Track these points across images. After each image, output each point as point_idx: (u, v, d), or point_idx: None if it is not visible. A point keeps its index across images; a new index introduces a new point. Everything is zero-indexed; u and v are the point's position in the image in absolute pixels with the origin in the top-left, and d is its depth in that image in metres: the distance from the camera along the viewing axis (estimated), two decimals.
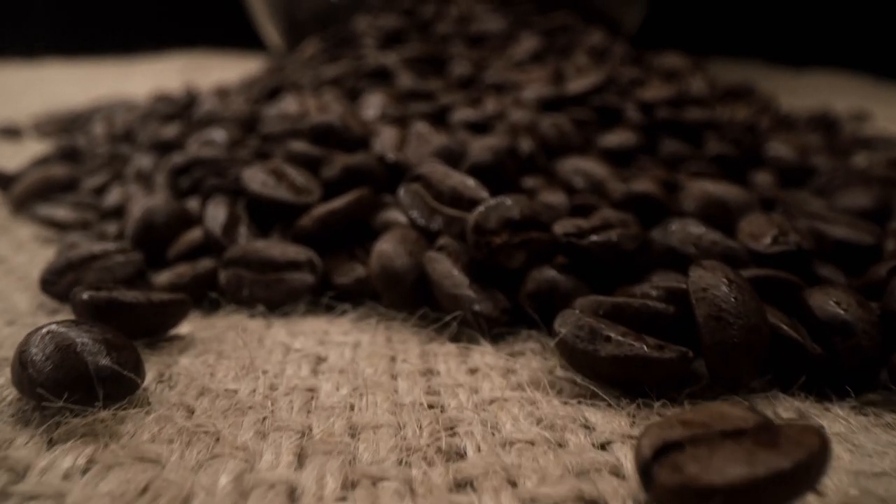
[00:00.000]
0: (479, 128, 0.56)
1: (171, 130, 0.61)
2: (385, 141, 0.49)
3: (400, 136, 0.50)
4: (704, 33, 1.41)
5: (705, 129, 0.60)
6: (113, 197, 0.54)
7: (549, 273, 0.37)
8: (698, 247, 0.38)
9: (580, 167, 0.48)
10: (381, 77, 0.68)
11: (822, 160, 0.59)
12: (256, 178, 0.46)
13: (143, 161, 0.58)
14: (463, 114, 0.57)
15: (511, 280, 0.38)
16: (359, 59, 0.77)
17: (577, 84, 0.61)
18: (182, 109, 0.75)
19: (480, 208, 0.37)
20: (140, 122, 0.71)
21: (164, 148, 0.59)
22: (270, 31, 1.02)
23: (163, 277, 0.41)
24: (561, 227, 0.38)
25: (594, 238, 0.37)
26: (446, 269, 0.37)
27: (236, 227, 0.44)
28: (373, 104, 0.59)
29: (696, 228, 0.39)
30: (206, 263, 0.42)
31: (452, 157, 0.46)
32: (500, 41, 0.80)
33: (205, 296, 0.41)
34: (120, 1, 1.59)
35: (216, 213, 0.44)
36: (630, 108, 0.61)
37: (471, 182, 0.40)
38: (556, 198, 0.45)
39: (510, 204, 0.37)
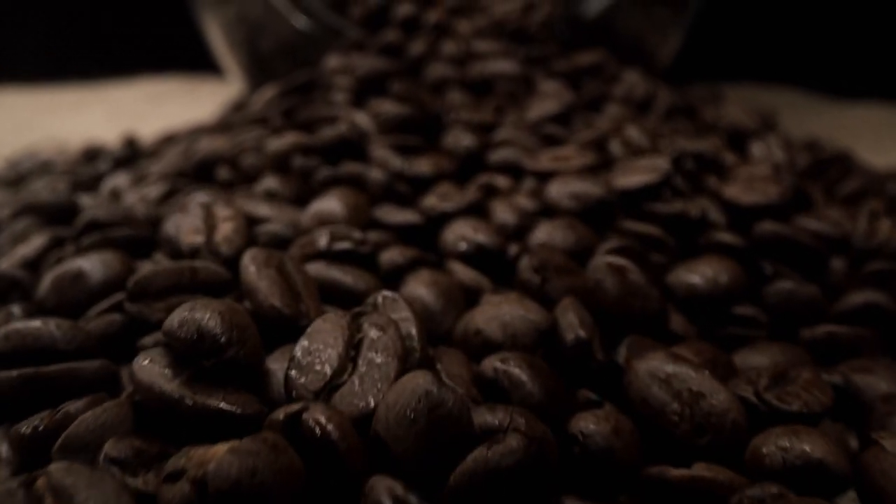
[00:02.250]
0: (490, 261, 0.34)
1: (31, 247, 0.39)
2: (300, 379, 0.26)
3: (341, 360, 0.27)
4: (726, 54, 1.18)
5: (830, 252, 0.38)
6: None
7: None
8: None
9: (662, 372, 0.26)
10: (350, 151, 0.46)
11: None
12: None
13: None
14: (462, 234, 0.35)
15: None
16: (321, 121, 0.55)
17: (630, 179, 0.39)
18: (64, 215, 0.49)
19: None
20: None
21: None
22: (230, 64, 0.80)
23: None
24: None
25: None
26: None
27: None
28: (322, 236, 0.36)
29: None
30: None
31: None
32: (511, 86, 0.58)
33: None
34: (90, 23, 1.36)
35: None
36: (713, 211, 0.39)
37: None
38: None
39: None
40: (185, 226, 0.33)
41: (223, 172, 0.48)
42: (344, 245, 0.32)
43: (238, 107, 0.82)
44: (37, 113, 1.09)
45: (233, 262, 0.32)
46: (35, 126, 1.04)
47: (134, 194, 0.48)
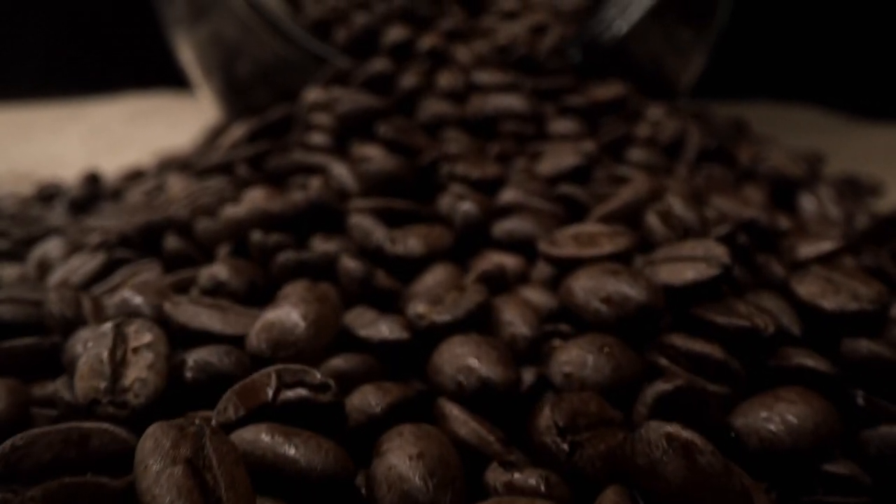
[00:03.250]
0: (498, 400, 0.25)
1: None
2: None
3: None
4: (741, 71, 1.08)
5: None
6: None
7: None
8: None
9: None
10: (322, 217, 0.36)
11: None
12: None
13: None
14: (460, 364, 0.25)
15: None
16: (294, 171, 0.45)
17: (679, 274, 0.29)
18: None
19: None
20: None
21: None
22: (204, 89, 0.70)
23: None
24: None
25: None
26: None
27: None
28: (268, 385, 0.24)
29: None
30: None
31: None
32: (518, 126, 0.48)
33: None
34: (74, 38, 1.26)
35: None
36: (785, 316, 0.30)
37: None
38: None
39: None
40: (84, 364, 0.23)
41: (172, 242, 0.38)
42: (297, 394, 0.22)
43: (215, 134, 0.73)
44: (8, 135, 0.99)
45: (146, 415, 0.23)
46: (4, 149, 0.94)
47: (64, 268, 0.38)
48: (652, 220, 0.33)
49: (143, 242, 0.40)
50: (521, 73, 0.52)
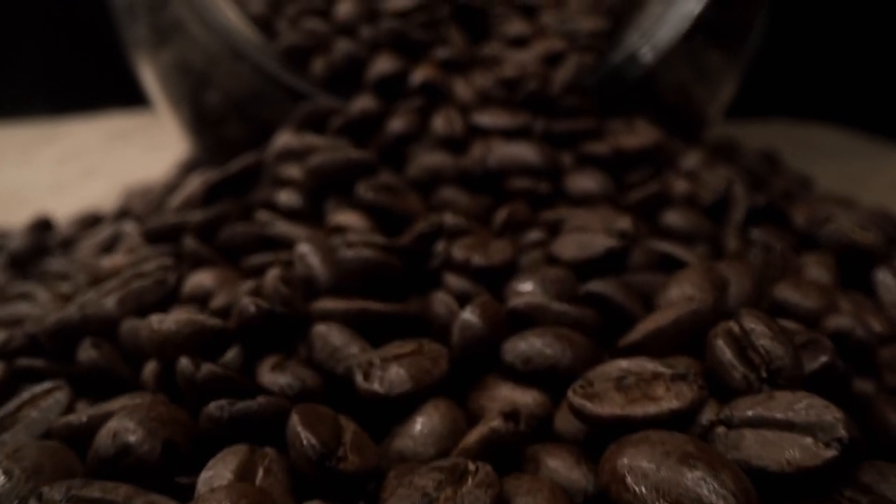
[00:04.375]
0: None
1: None
2: None
3: None
4: (754, 87, 0.98)
5: None
6: None
7: None
8: None
9: None
10: (276, 327, 0.26)
11: None
12: None
13: None
14: None
15: None
16: (250, 247, 0.35)
17: (782, 454, 0.20)
18: None
19: None
20: None
21: None
22: (169, 120, 0.60)
23: None
24: None
25: None
26: None
27: None
28: None
29: None
30: None
31: None
32: (531, 183, 0.38)
33: None
34: (56, 55, 1.16)
35: None
36: None
37: None
38: None
39: None
40: None
41: (87, 353, 0.28)
42: None
43: (186, 169, 0.63)
44: None
45: None
46: None
47: None
48: (723, 353, 0.23)
49: (56, 346, 0.30)
50: (532, 111, 0.43)
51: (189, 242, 0.34)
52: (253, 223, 0.36)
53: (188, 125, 0.58)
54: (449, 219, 0.33)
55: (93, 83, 1.11)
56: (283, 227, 0.35)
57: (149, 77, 0.58)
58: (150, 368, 0.27)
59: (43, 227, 0.55)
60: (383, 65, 0.44)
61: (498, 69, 0.45)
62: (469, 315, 0.26)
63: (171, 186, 0.58)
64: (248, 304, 0.26)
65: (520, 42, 0.48)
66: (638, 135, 0.40)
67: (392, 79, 0.44)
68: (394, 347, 0.25)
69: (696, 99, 0.57)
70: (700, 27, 0.48)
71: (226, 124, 0.56)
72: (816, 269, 0.36)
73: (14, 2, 1.11)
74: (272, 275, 0.28)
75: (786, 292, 0.31)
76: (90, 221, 0.56)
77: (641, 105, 0.48)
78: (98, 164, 0.85)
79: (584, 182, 0.38)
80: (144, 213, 0.53)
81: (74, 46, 1.12)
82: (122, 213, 0.55)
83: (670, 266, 0.32)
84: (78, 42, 1.13)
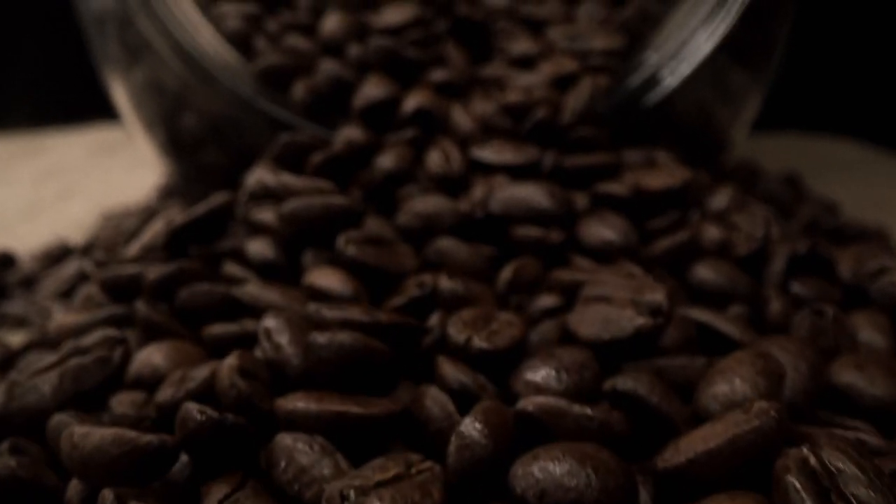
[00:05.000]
0: None
1: None
2: None
3: None
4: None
5: None
6: None
7: None
8: None
9: None
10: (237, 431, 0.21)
11: None
12: None
13: None
14: None
15: None
16: (213, 314, 0.30)
17: None
18: None
19: None
20: None
21: None
22: (143, 143, 0.54)
23: None
24: None
25: None
26: None
27: None
28: None
29: None
30: None
31: None
32: (540, 230, 0.32)
33: None
34: (38, 66, 1.09)
35: None
36: None
37: None
38: None
39: None
40: None
41: (3, 461, 0.23)
42: None
43: (165, 193, 0.58)
44: None
45: None
46: None
47: None
48: (800, 497, 0.17)
49: None
50: (540, 144, 0.37)
51: (141, 308, 0.29)
52: (217, 283, 0.30)
53: (163, 149, 0.52)
54: (445, 283, 0.27)
55: (78, 94, 1.05)
56: (251, 290, 0.29)
57: (120, 97, 0.52)
58: (74, 487, 0.22)
59: (4, 263, 0.50)
60: (372, 90, 0.38)
61: (501, 94, 0.39)
62: (470, 429, 0.20)
63: (146, 215, 0.52)
64: (193, 412, 0.21)
65: (526, 62, 0.42)
66: (661, 173, 0.35)
67: (382, 106, 0.38)
68: (376, 470, 0.20)
69: (717, 120, 0.51)
70: (725, 45, 0.42)
71: (203, 149, 0.50)
72: (870, 333, 0.30)
73: None
74: (228, 365, 0.23)
75: (848, 376, 0.25)
76: (56, 256, 0.50)
77: (657, 129, 0.43)
78: (78, 183, 0.79)
79: (602, 230, 0.32)
80: (113, 247, 0.47)
81: (59, 55, 1.06)
82: (89, 248, 0.49)
83: (709, 340, 0.27)
84: (63, 50, 1.07)
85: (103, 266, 0.39)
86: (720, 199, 0.37)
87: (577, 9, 0.47)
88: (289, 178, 0.33)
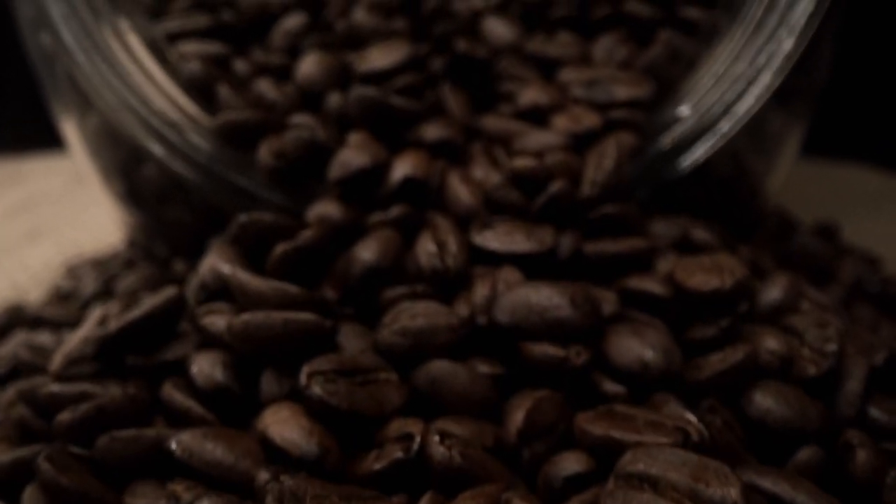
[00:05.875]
0: None
1: None
2: None
3: None
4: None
5: None
6: None
7: None
8: None
9: None
10: None
11: None
12: None
13: None
14: None
15: None
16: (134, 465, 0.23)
17: None
18: None
19: None
20: None
21: None
22: (100, 193, 0.47)
23: None
24: None
25: None
26: None
27: None
28: None
29: None
30: None
31: None
32: (561, 350, 0.25)
33: None
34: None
35: None
36: None
37: None
38: None
39: None
40: None
41: None
42: None
43: (139, 246, 0.51)
44: None
45: None
46: None
47: None
48: None
49: None
50: (555, 222, 0.30)
51: (44, 468, 0.22)
52: (146, 429, 0.23)
53: (122, 201, 0.45)
54: (437, 451, 0.20)
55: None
56: (187, 442, 0.22)
57: (74, 142, 0.45)
58: None
59: None
60: (352, 156, 0.31)
61: (507, 158, 0.32)
62: None
63: (106, 276, 0.45)
64: None
65: (537, 114, 0.34)
66: (705, 265, 0.27)
67: (364, 175, 0.31)
68: None
69: (751, 170, 0.44)
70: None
71: (167, 205, 0.43)
72: None
73: None
74: None
75: None
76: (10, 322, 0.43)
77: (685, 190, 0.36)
78: (50, 220, 0.71)
79: (637, 347, 0.25)
80: (60, 322, 0.40)
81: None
82: (38, 321, 0.42)
83: None
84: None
85: (24, 372, 0.31)
86: (774, 291, 0.29)
87: (593, 45, 0.39)
88: (245, 277, 0.26)
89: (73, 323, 0.40)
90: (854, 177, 0.80)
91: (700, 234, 0.32)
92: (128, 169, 0.43)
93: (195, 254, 0.36)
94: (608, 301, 0.27)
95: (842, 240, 0.51)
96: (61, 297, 0.48)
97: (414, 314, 0.25)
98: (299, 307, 0.25)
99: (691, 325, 0.27)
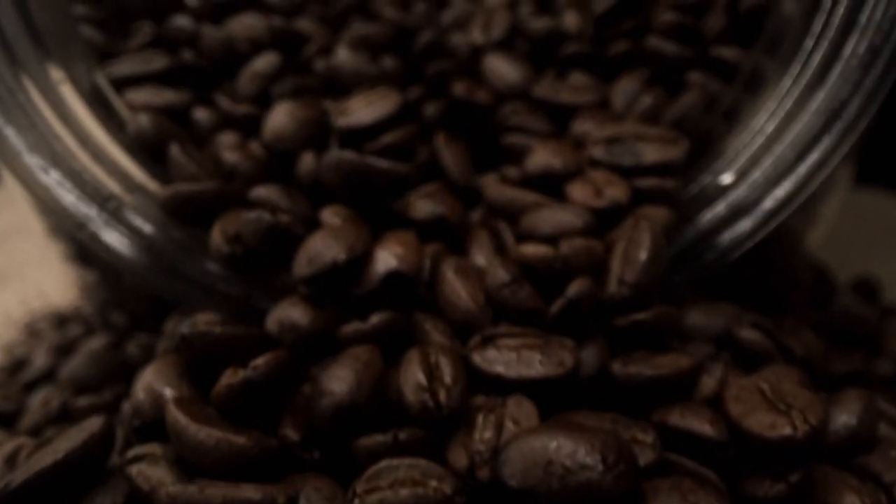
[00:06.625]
0: None
1: None
2: None
3: None
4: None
5: None
6: None
7: None
8: None
9: None
10: None
11: None
12: None
13: None
14: None
15: None
16: None
17: None
18: None
19: None
20: None
21: None
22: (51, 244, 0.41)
23: None
24: None
25: None
26: None
27: None
28: None
29: None
30: None
31: None
32: None
33: None
34: None
35: None
36: None
37: None
38: None
39: None
40: None
41: None
42: None
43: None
44: None
45: None
46: None
47: None
48: None
49: None
50: (574, 329, 0.23)
51: None
52: None
53: (70, 261, 0.39)
54: None
55: None
56: None
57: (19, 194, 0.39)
58: None
59: None
60: (323, 247, 0.24)
61: (515, 244, 0.26)
62: None
63: (64, 343, 0.40)
64: None
65: (549, 181, 0.28)
66: (769, 401, 0.21)
67: (338, 269, 0.24)
68: None
69: (790, 227, 0.38)
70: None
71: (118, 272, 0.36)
72: None
73: None
74: None
75: None
76: None
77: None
78: (20, 260, 0.65)
79: None
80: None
81: None
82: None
83: None
84: None
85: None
86: (843, 416, 0.23)
87: (611, 89, 0.33)
88: (182, 421, 0.20)
89: (12, 413, 0.34)
90: (886, 205, 0.74)
91: (747, 333, 0.25)
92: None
93: (157, 324, 0.30)
94: (645, 446, 0.20)
95: (882, 297, 0.45)
96: (14, 364, 0.42)
97: (395, 480, 0.19)
98: (247, 467, 0.18)
99: (750, 475, 0.21)
